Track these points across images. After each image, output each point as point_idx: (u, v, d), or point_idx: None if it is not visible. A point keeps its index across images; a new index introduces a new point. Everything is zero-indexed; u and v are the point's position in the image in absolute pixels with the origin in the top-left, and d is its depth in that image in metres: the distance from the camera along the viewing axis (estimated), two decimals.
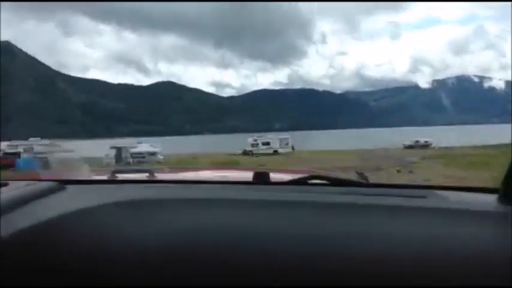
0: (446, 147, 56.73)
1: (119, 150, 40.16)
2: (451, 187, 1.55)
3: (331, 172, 26.09)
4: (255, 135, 60.73)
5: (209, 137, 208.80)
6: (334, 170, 28.71)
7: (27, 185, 1.48)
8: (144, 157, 39.52)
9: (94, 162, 38.78)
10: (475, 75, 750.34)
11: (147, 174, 1.93)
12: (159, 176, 2.01)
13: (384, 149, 59.47)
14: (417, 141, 60.67)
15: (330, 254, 1.19)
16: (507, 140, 61.95)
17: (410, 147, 58.63)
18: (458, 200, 1.43)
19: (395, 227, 1.25)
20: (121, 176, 1.95)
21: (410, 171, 24.29)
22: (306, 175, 1.69)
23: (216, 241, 1.24)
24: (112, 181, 1.77)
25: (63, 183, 1.58)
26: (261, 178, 1.78)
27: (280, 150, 54.57)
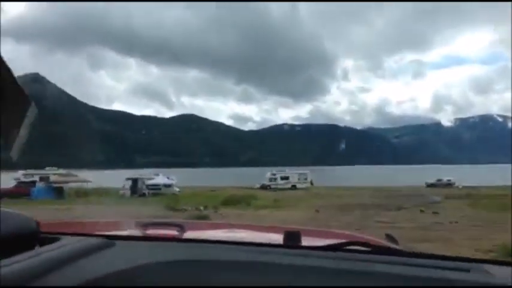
0: (470, 187, 55.58)
1: (134, 181, 40.27)
2: (495, 261, 1.50)
3: (352, 211, 25.68)
4: (274, 170, 60.62)
5: (229, 170, 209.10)
6: (355, 207, 28.28)
7: (78, 241, 1.52)
8: (160, 189, 39.64)
9: (110, 193, 39.26)
10: (499, 115, 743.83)
11: (178, 229, 1.95)
12: (190, 232, 2.04)
13: (405, 187, 58.75)
14: (440, 180, 59.61)
15: None
16: None
17: (432, 185, 57.67)
18: (503, 275, 1.36)
19: None
20: (155, 232, 1.97)
21: (435, 212, 23.52)
22: (342, 240, 1.63)
23: None
24: (155, 238, 1.79)
25: (112, 238, 1.62)
26: (292, 239, 1.74)
27: (298, 185, 54.07)
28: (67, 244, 1.44)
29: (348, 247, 1.53)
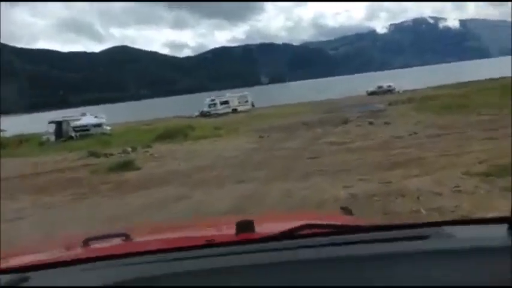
0: (410, 90, 55.88)
1: (59, 124, 36.42)
2: (456, 221, 1.48)
3: (297, 132, 23.69)
4: (213, 95, 57.72)
5: (167, 100, 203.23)
6: (300, 126, 26.50)
7: None
8: (88, 129, 36.20)
9: (31, 140, 35.41)
10: (431, 17, 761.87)
11: (123, 238, 1.84)
12: (138, 242, 1.94)
13: (347, 98, 58.21)
14: (380, 87, 59.17)
15: None
16: (465, 79, 62.14)
17: (373, 93, 57.19)
18: (465, 236, 1.33)
19: (396, 280, 1.16)
20: (94, 246, 1.80)
21: (386, 123, 21.95)
22: (297, 225, 1.51)
23: None
24: (86, 260, 1.51)
25: (24, 271, 1.38)
26: (245, 229, 1.71)
27: (239, 108, 51.73)
28: None
29: (304, 231, 1.49)
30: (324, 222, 1.73)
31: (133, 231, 1.93)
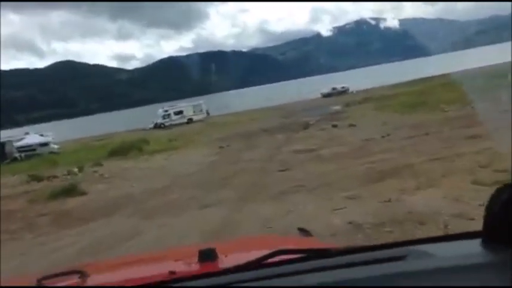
0: (363, 91, 56.00)
1: (1, 145, 33.79)
2: (430, 238, 1.42)
3: (258, 140, 22.06)
4: (166, 105, 55.54)
5: (119, 113, 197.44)
6: (260, 133, 25.14)
7: None
8: (34, 149, 33.52)
9: None
10: (372, 18, 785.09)
11: (79, 276, 1.75)
12: (95, 280, 1.82)
13: (302, 101, 57.65)
14: (334, 88, 59.06)
15: None
16: (413, 76, 63.35)
17: (328, 95, 56.96)
18: (442, 255, 1.30)
19: None
20: (48, 286, 1.70)
21: (352, 125, 20.91)
22: (266, 253, 1.42)
23: None
24: None
25: None
26: (208, 258, 1.65)
27: (194, 118, 49.97)
28: None
29: (275, 259, 1.42)
30: (292, 247, 1.61)
31: (88, 268, 1.82)
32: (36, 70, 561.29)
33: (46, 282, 1.68)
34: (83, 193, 13.70)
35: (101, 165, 20.53)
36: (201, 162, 17.21)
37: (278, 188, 10.15)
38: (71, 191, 13.87)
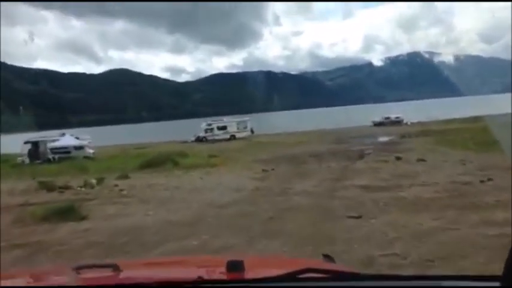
0: (419, 123, 52.80)
1: (35, 145, 33.16)
2: (451, 276, 1.41)
3: (308, 167, 16.50)
4: (210, 120, 54.33)
5: (166, 123, 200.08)
6: (308, 159, 22.81)
7: None
8: (69, 152, 32.63)
9: (8, 160, 31.60)
10: (425, 51, 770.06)
11: (112, 269, 1.80)
12: (127, 274, 1.86)
13: (351, 128, 54.96)
14: (387, 118, 56.12)
15: None
16: (470, 113, 59.32)
17: (380, 124, 54.18)
18: None
19: None
20: (85, 275, 1.78)
21: (421, 160, 17.87)
22: (295, 269, 1.45)
23: None
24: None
25: None
26: (235, 269, 1.65)
27: (238, 135, 48.43)
28: None
29: (301, 275, 1.45)
30: (322, 267, 1.63)
31: (121, 264, 1.88)
32: (92, 75, 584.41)
33: (82, 271, 1.75)
34: (83, 218, 11.00)
35: (127, 177, 18.68)
36: (241, 187, 14.50)
37: (356, 250, 6.87)
38: (68, 212, 11.19)
